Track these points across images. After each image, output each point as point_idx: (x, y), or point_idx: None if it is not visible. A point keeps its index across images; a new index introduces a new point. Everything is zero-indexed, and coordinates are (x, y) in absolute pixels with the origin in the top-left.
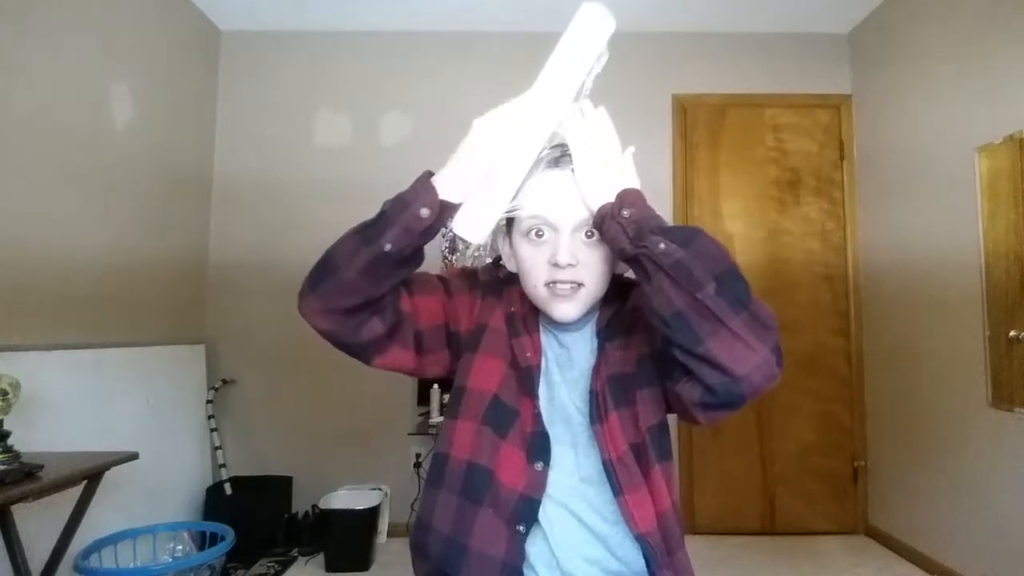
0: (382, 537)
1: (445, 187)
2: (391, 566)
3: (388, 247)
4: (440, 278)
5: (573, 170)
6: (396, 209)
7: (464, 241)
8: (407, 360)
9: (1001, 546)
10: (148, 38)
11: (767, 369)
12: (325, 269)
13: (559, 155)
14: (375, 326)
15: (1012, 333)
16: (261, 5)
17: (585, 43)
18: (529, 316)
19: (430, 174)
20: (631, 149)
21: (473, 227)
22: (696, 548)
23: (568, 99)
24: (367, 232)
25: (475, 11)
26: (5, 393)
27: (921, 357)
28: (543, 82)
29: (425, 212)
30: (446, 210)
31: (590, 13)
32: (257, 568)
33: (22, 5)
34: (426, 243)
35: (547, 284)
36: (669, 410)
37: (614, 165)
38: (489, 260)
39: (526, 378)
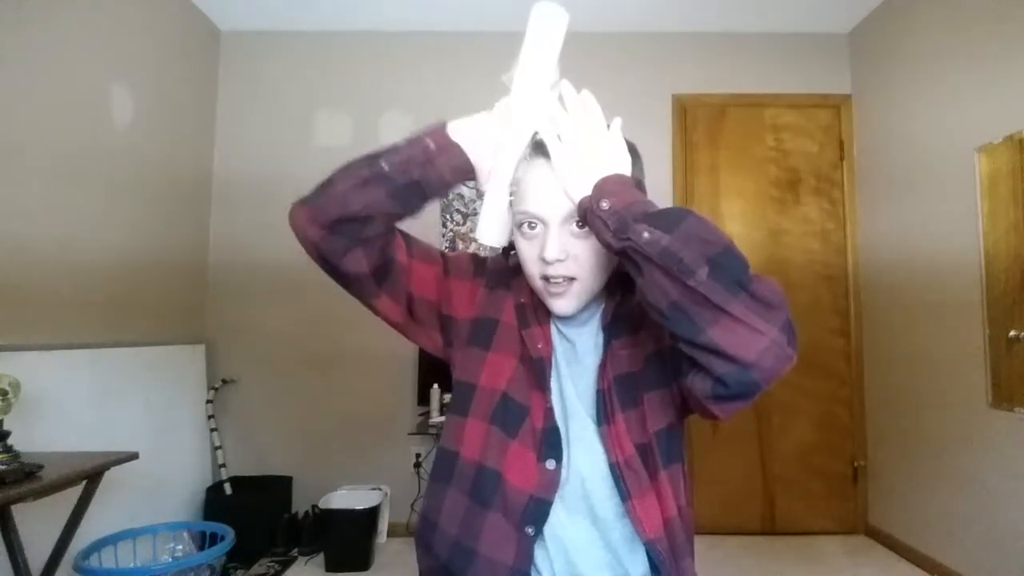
0: (382, 537)
1: (454, 130)
2: (391, 566)
3: (386, 167)
4: (443, 255)
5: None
6: (406, 140)
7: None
8: (397, 315)
9: (1002, 546)
10: (148, 38)
11: (778, 351)
12: (323, 182)
13: (543, 142)
14: (358, 258)
15: (1012, 333)
16: (261, 5)
17: (546, 37)
18: (540, 307)
19: (443, 122)
20: (617, 121)
21: (492, 232)
22: (696, 548)
23: (545, 91)
24: (372, 155)
25: (475, 11)
26: (5, 393)
27: (921, 357)
28: (519, 81)
29: (430, 143)
30: (451, 150)
31: (543, 10)
32: (257, 568)
33: (23, 6)
34: (422, 181)
35: (542, 278)
36: (688, 411)
37: (592, 150)
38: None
39: (538, 370)
